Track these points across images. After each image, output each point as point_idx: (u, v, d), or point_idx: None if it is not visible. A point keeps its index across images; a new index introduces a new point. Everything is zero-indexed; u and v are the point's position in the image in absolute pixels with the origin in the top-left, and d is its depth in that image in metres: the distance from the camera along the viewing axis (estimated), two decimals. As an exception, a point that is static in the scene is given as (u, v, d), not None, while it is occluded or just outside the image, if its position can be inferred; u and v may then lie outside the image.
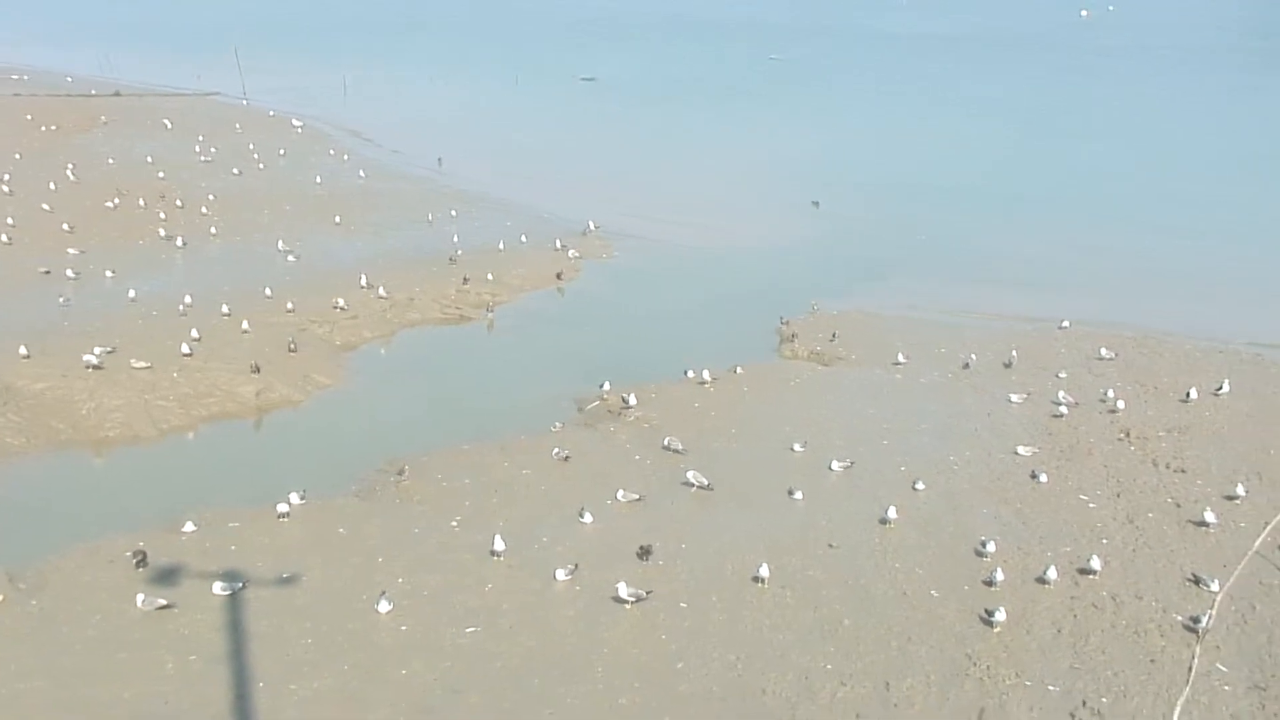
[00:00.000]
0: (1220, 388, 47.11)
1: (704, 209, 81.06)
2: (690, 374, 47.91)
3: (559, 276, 62.82)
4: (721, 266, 67.02)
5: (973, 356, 50.68)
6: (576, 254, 66.84)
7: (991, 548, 34.18)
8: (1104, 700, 27.62)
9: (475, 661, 28.65)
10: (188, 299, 53.83)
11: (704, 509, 37.10)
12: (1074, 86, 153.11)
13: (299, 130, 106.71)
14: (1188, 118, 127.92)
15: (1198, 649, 24.55)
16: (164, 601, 30.39)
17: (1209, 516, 36.08)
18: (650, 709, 27.01)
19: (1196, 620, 30.19)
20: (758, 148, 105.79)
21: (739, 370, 48.91)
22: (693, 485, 38.19)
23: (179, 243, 65.39)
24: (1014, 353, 51.47)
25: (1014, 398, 46.37)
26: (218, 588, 31.10)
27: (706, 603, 31.56)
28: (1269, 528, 26.71)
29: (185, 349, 47.57)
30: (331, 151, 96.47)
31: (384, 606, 30.36)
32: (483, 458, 40.49)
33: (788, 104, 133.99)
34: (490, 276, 61.10)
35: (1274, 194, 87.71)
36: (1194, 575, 32.99)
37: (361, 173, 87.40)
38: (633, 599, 31.14)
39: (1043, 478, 39.28)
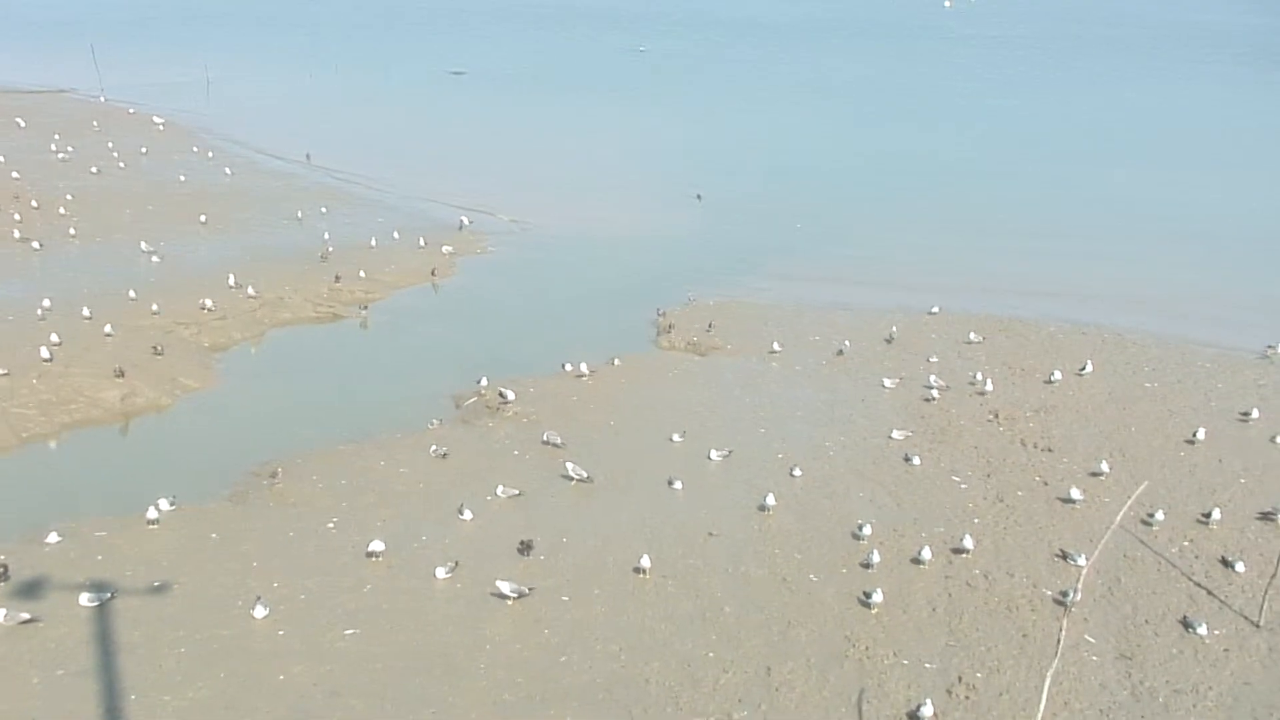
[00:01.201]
0: (1083, 368, 48.61)
1: (579, 202, 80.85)
2: (568, 367, 47.84)
3: (433, 273, 62.20)
4: (598, 259, 66.96)
5: (846, 343, 51.47)
6: (451, 249, 66.21)
7: (868, 531, 34.81)
8: (978, 675, 28.35)
9: (355, 663, 28.22)
10: (46, 302, 51.98)
11: (584, 502, 37.11)
12: (940, 75, 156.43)
13: (160, 127, 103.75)
14: (1049, 105, 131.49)
15: (1065, 622, 25.32)
16: (28, 615, 29.31)
17: (1075, 493, 37.34)
18: (534, 703, 26.91)
19: (1065, 594, 31.13)
20: (633, 139, 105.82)
21: (616, 362, 49.00)
22: (572, 478, 38.14)
23: (35, 245, 63.06)
24: (894, 329, 53.01)
25: (887, 382, 47.23)
26: (85, 599, 30.13)
27: (588, 595, 31.57)
28: (1130, 501, 27.61)
29: (45, 354, 45.92)
30: (195, 149, 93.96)
31: (260, 612, 29.75)
32: (359, 458, 39.88)
33: (660, 95, 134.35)
34: (363, 274, 60.21)
35: (1129, 176, 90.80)
36: (1062, 551, 34.08)
37: (227, 170, 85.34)
38: (514, 594, 30.99)
39: (916, 460, 40.13)
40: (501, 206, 77.76)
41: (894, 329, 53.47)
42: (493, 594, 31.10)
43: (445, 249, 65.96)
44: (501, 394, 44.82)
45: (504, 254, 67.81)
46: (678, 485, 37.87)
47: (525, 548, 33.31)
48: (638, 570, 32.50)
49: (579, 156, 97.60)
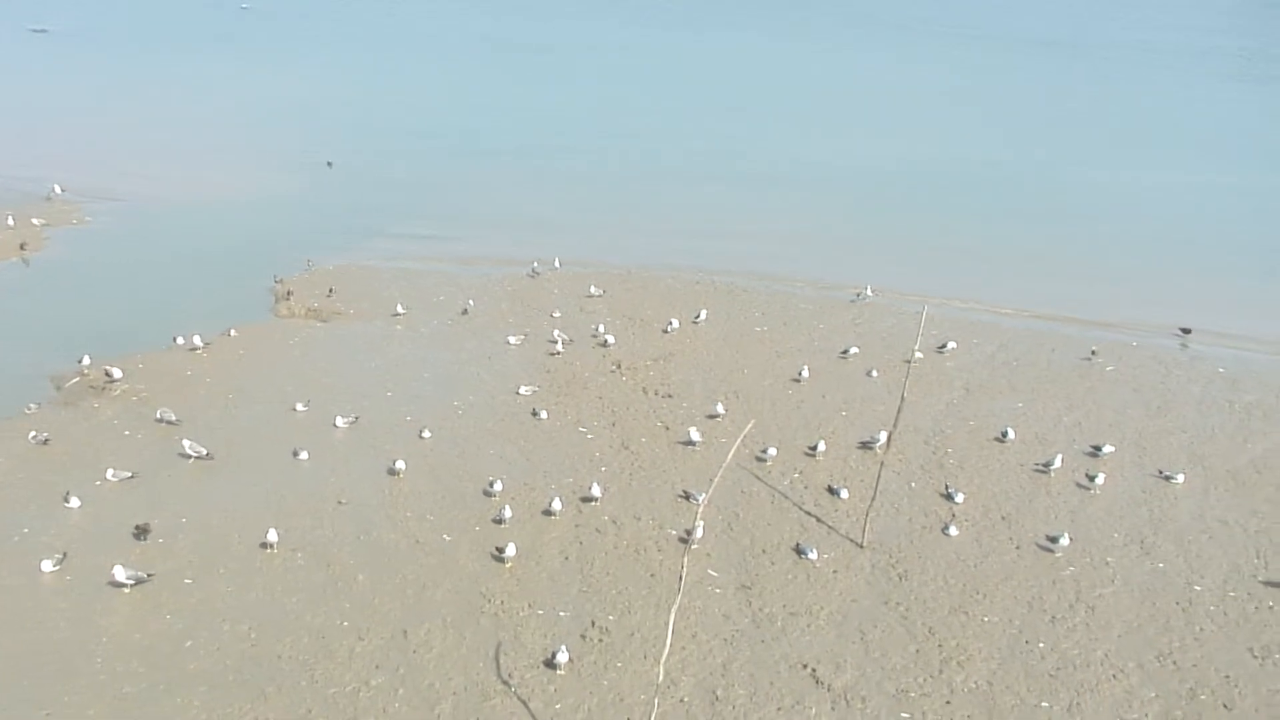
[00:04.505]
0: (698, 316, 50.86)
1: (188, 168, 75.93)
2: (180, 340, 45.57)
3: (23, 247, 57.31)
4: (209, 228, 63.42)
5: (471, 302, 51.59)
6: (41, 221, 61.19)
7: (499, 487, 35.28)
8: (611, 618, 29.39)
9: (-49, 674, 26.06)
10: None
11: (205, 480, 35.63)
12: (559, 28, 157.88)
13: None
14: (682, 56, 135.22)
15: (686, 559, 26.57)
16: None
17: (694, 435, 39.20)
18: (158, 693, 25.74)
19: (689, 533, 32.58)
20: (249, 102, 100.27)
21: (233, 333, 47.08)
22: (190, 456, 36.53)
23: None
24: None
25: (512, 340, 47.73)
26: None
27: (213, 576, 30.47)
28: (740, 439, 29.21)
29: None
30: None
31: None
32: (-55, 450, 36.61)
33: (273, 53, 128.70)
34: (-62, 252, 55.00)
35: (757, 132, 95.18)
36: (685, 491, 35.75)
37: None
38: (132, 582, 29.49)
39: (543, 414, 40.88)
40: (100, 172, 72.44)
41: (517, 286, 54.07)
42: (108, 583, 29.50)
43: (35, 220, 60.88)
44: (108, 372, 42.17)
45: (104, 224, 63.29)
46: (303, 455, 36.98)
47: (141, 532, 31.70)
48: (265, 545, 31.61)
49: (187, 120, 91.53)
